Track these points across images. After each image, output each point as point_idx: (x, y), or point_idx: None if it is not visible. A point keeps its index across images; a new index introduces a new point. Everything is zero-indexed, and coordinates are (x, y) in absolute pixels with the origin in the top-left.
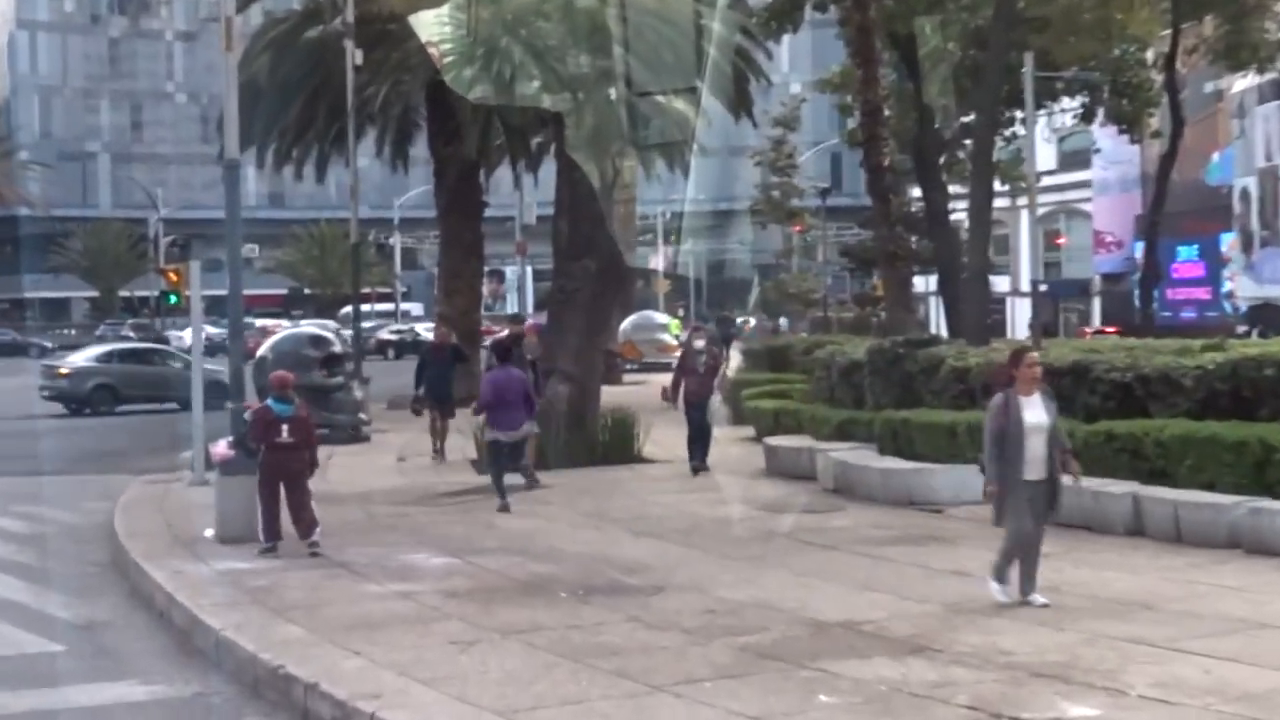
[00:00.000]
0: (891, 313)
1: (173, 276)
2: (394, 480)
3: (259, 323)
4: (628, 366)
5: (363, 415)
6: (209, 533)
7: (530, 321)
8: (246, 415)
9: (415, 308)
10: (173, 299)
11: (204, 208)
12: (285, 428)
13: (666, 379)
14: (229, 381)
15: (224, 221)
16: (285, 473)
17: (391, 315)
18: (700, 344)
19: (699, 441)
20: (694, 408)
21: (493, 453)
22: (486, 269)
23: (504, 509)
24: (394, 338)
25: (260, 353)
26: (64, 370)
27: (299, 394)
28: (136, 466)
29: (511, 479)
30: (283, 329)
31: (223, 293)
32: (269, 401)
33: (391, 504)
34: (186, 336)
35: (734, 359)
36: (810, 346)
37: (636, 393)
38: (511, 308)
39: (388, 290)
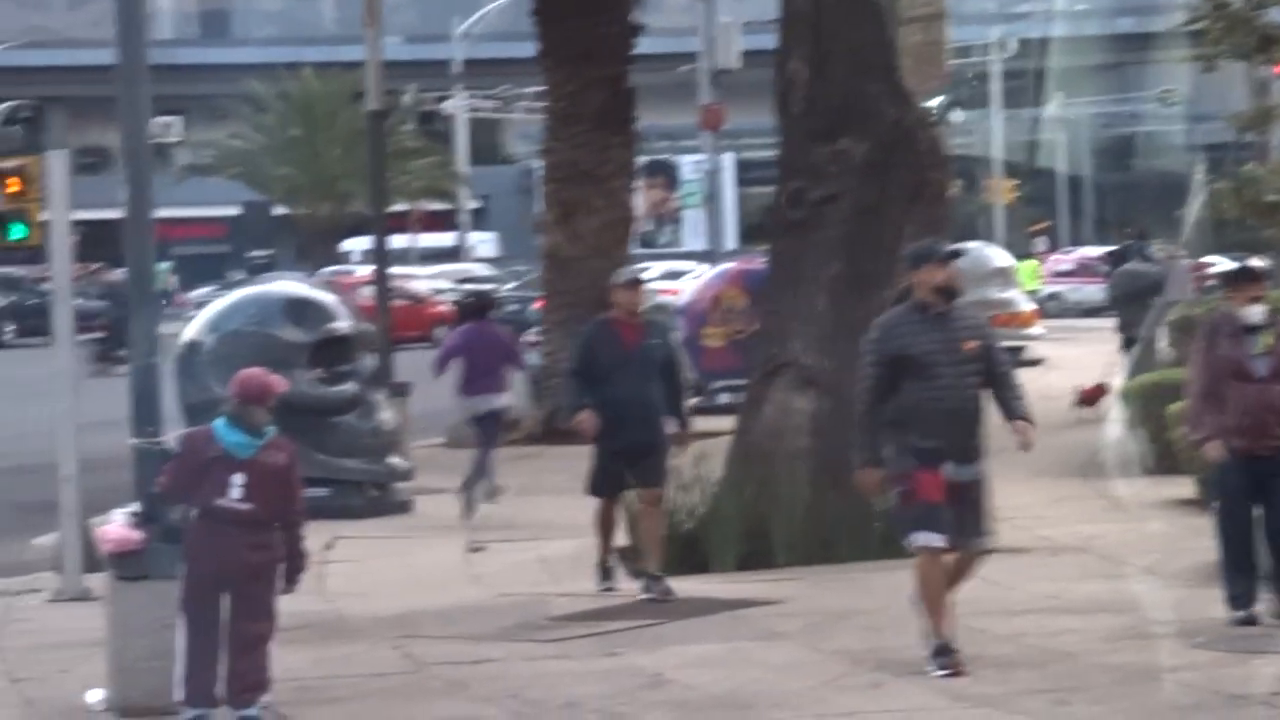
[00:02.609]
0: None
1: (13, 183)
2: (462, 591)
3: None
4: None
5: (397, 459)
6: (94, 697)
7: (734, 266)
8: (174, 447)
9: (486, 240)
10: (17, 230)
11: (73, 45)
12: (239, 479)
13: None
14: (131, 394)
15: (112, 71)
16: (232, 569)
17: (449, 254)
18: (1259, 315)
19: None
20: (1255, 463)
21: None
22: (642, 160)
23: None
24: None
25: (190, 336)
26: None
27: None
28: None
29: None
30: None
31: (113, 215)
32: (216, 424)
33: (458, 638)
34: None
35: (1155, 337)
36: None
37: None
38: (693, 238)
39: (444, 206)
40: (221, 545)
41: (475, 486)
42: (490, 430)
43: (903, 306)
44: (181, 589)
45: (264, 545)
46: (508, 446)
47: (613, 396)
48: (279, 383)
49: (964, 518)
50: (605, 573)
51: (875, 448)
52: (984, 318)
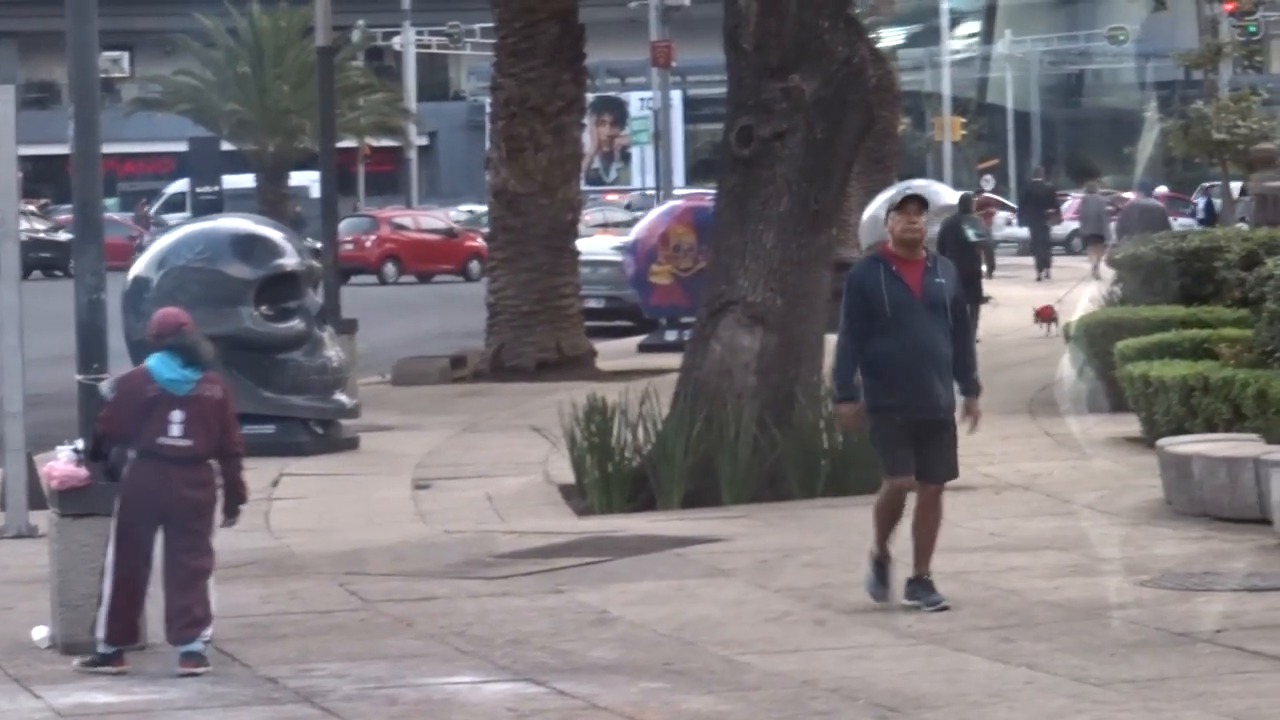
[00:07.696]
0: None
1: None
2: (408, 528)
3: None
4: None
5: (343, 396)
6: (40, 634)
7: (682, 203)
8: (106, 391)
9: (310, 181)
10: None
11: None
12: (178, 416)
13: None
14: (77, 330)
15: (61, 5)
16: (171, 507)
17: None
18: None
19: None
20: None
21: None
22: (591, 97)
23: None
24: None
25: (136, 272)
26: None
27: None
28: None
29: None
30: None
31: (60, 150)
32: (150, 364)
33: (404, 575)
34: None
35: (1097, 281)
36: (1253, 251)
37: None
38: (642, 177)
39: (392, 142)
40: (161, 483)
41: None
42: None
43: None
44: (114, 527)
45: (203, 481)
46: (455, 384)
47: (894, 350)
48: (187, 319)
49: None
50: (883, 574)
51: None
52: None
